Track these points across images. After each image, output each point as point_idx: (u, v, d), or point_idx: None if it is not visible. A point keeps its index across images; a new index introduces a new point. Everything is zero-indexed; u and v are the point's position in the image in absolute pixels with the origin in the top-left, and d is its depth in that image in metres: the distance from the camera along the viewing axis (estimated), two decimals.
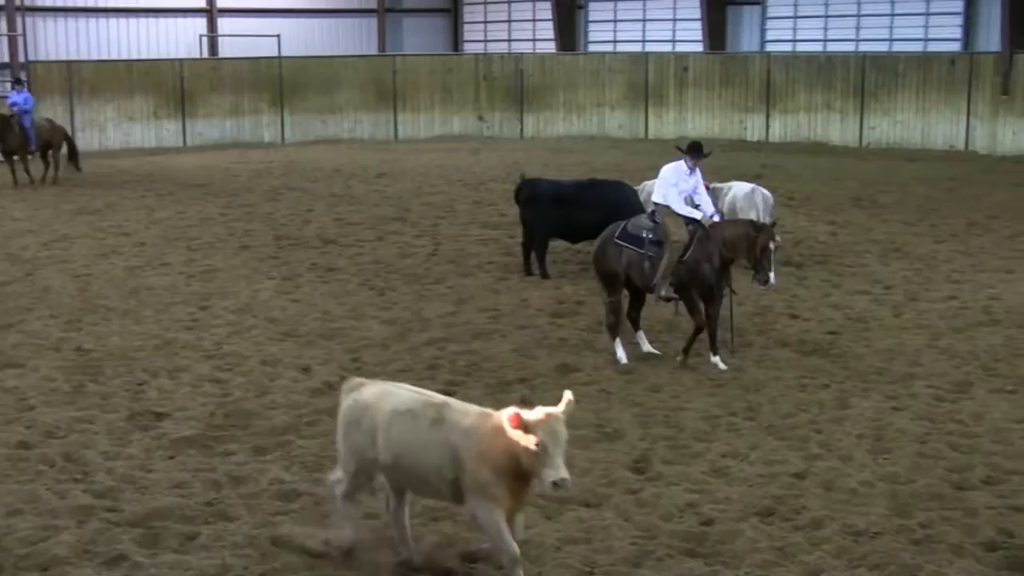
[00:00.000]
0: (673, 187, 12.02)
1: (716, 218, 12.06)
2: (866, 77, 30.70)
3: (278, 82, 34.26)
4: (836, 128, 31.33)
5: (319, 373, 11.56)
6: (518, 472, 6.62)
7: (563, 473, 6.43)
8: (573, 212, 15.75)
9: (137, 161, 29.68)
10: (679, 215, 11.91)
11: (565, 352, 12.31)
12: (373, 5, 39.10)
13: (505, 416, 6.59)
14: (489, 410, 6.94)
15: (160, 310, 14.14)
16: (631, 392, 10.95)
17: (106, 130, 32.14)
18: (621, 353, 11.98)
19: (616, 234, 12.14)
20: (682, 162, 12.16)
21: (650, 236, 11.91)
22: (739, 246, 11.59)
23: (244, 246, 18.17)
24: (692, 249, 11.71)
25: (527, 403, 10.50)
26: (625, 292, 12.34)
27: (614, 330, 12.13)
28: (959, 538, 7.74)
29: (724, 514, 8.14)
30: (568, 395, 6.71)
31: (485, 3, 40.43)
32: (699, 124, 33.23)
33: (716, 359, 11.71)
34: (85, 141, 31.37)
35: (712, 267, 11.67)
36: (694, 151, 12.17)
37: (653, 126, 34.11)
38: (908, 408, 10.42)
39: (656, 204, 12.15)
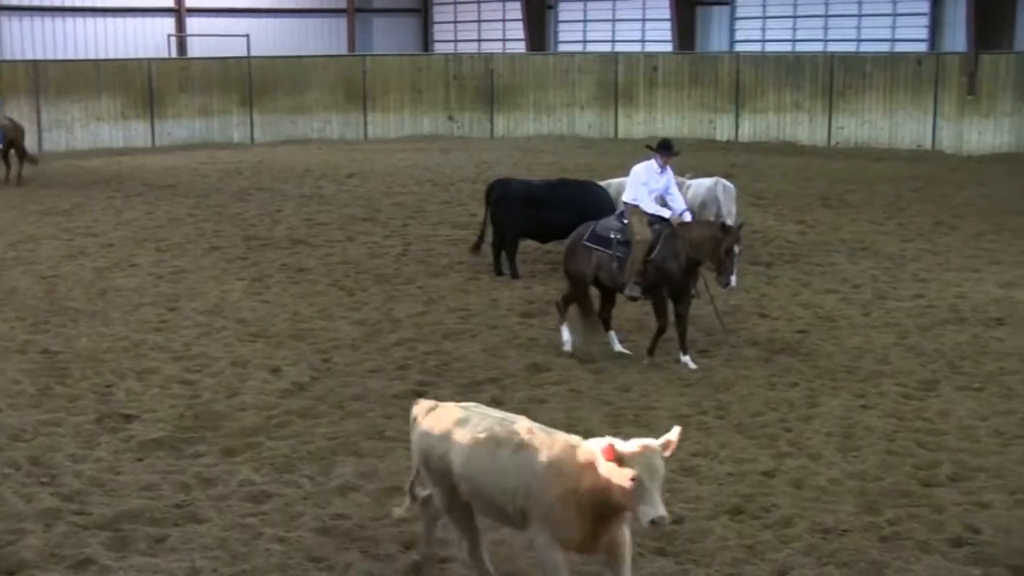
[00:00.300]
0: (643, 186, 12.08)
1: (687, 216, 12.12)
2: (834, 77, 30.89)
3: (247, 82, 34.11)
4: (805, 128, 31.50)
5: (289, 374, 11.52)
6: (604, 509, 6.15)
7: (661, 510, 5.94)
8: (543, 212, 15.78)
9: (105, 161, 29.47)
10: (648, 214, 11.96)
11: (535, 352, 12.32)
12: (343, 5, 39.02)
13: (598, 448, 6.10)
14: (575, 438, 6.39)
15: (128, 311, 14.05)
16: (601, 392, 10.97)
17: (73, 130, 31.90)
18: (567, 337, 12.17)
19: (585, 236, 12.20)
20: (652, 161, 12.23)
21: (618, 237, 11.98)
22: (704, 247, 11.62)
23: (213, 247, 18.08)
24: (659, 248, 11.77)
25: (496, 402, 10.55)
26: (596, 292, 12.40)
27: (563, 314, 12.36)
28: (926, 534, 7.80)
29: (694, 512, 8.17)
30: (676, 431, 6.18)
31: (455, 3, 40.42)
32: (669, 124, 33.33)
33: (686, 358, 11.75)
34: (52, 141, 31.25)
35: (680, 265, 11.72)
36: (664, 149, 12.24)
37: (623, 126, 34.18)
38: (876, 406, 10.49)
39: (625, 203, 12.19)
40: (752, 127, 32.29)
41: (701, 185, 16.47)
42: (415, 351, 12.35)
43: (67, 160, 29.38)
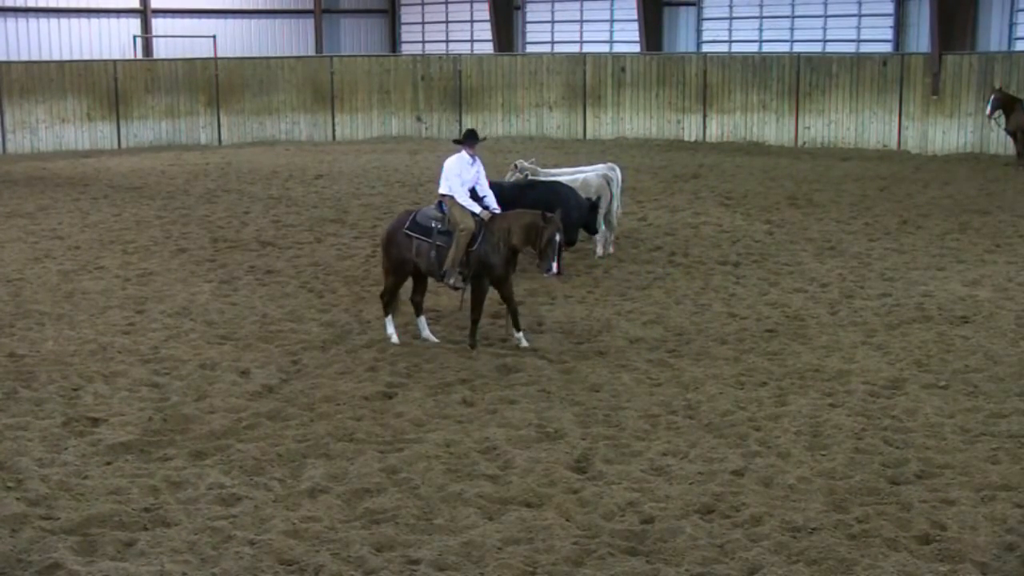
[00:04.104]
0: (457, 178, 12.52)
1: (497, 210, 12.56)
2: (800, 78, 31.08)
3: (214, 83, 33.93)
4: (772, 128, 31.68)
5: (258, 376, 11.47)
6: None
7: None
8: None
9: (70, 163, 29.24)
10: (463, 206, 12.39)
11: (505, 353, 12.32)
12: (310, 6, 38.90)
13: None
14: None
15: (95, 314, 13.94)
16: (571, 392, 10.98)
17: (38, 132, 31.64)
18: (392, 331, 12.58)
19: (407, 225, 12.56)
20: (463, 152, 12.65)
21: (439, 226, 12.41)
22: (527, 236, 12.19)
23: (181, 249, 17.98)
24: (480, 240, 12.25)
25: (466, 403, 10.55)
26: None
27: (389, 308, 12.71)
28: (894, 532, 7.86)
29: (665, 512, 8.20)
30: None
31: (423, 4, 40.38)
32: (636, 124, 33.48)
33: (519, 335, 12.37)
34: (16, 143, 30.99)
35: (500, 256, 12.23)
36: (469, 138, 12.74)
37: (591, 126, 34.26)
38: (844, 404, 10.56)
39: (442, 195, 12.57)
40: (719, 127, 32.44)
41: (597, 170, 17.37)
42: (385, 353, 12.33)
43: (32, 162, 29.13)
